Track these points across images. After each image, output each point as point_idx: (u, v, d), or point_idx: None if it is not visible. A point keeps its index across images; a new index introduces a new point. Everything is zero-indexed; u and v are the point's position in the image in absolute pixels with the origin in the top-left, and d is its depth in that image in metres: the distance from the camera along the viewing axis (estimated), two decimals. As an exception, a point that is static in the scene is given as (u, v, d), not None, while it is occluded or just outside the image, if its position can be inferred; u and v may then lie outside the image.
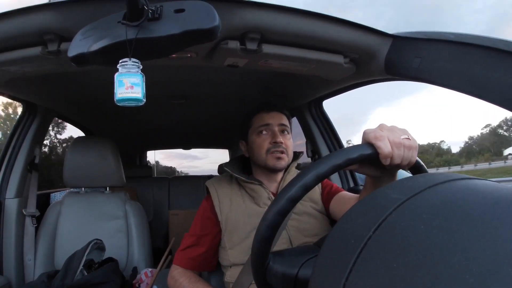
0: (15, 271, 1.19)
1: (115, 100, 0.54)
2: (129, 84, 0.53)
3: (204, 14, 0.53)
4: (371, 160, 0.48)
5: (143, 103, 0.55)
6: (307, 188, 0.41)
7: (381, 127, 0.49)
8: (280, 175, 0.97)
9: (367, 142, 0.47)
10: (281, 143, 0.91)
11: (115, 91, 0.54)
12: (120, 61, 0.54)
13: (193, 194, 2.62)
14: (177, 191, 2.72)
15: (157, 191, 2.68)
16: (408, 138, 0.49)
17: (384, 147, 0.46)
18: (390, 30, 0.79)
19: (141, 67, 0.55)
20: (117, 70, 0.55)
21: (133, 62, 0.54)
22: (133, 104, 0.55)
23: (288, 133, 0.96)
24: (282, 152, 0.90)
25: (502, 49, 0.56)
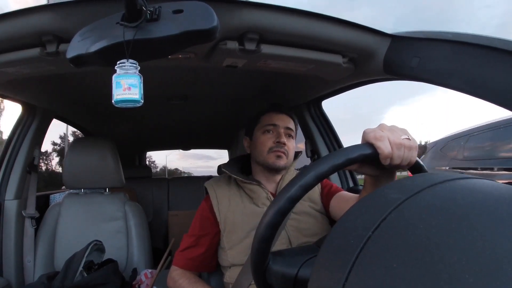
0: (14, 272, 1.19)
1: (113, 101, 0.55)
2: (127, 86, 0.53)
3: (202, 15, 0.53)
4: (371, 160, 0.48)
5: (140, 104, 0.55)
6: (307, 188, 0.41)
7: (381, 127, 0.49)
8: (279, 175, 0.97)
9: (367, 142, 0.47)
10: (284, 144, 0.92)
11: (113, 93, 0.54)
12: (118, 62, 0.54)
13: (192, 195, 2.62)
14: (177, 192, 2.72)
15: (157, 192, 2.67)
16: (408, 139, 0.49)
17: (384, 147, 0.46)
18: (399, 27, 0.80)
19: (138, 68, 0.55)
20: (115, 71, 0.55)
21: (130, 63, 0.54)
22: (130, 105, 0.55)
23: (292, 137, 0.97)
24: (283, 153, 0.91)
25: (500, 48, 0.56)
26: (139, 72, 0.55)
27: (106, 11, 0.60)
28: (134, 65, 0.54)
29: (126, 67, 0.54)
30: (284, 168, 0.94)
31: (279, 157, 0.91)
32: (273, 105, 1.01)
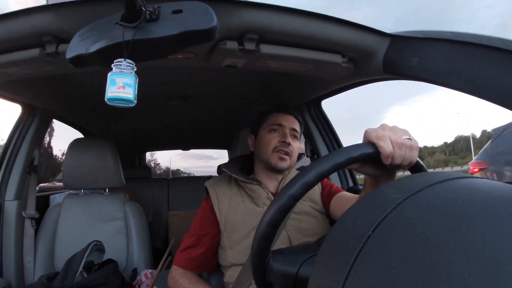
0: (14, 273, 1.19)
1: (105, 98, 0.53)
2: (121, 84, 0.52)
3: (202, 15, 0.53)
4: (372, 160, 0.48)
5: (133, 104, 0.55)
6: (309, 186, 0.41)
7: (383, 127, 0.49)
8: (281, 175, 0.98)
9: (369, 142, 0.47)
10: (289, 144, 0.93)
11: (106, 90, 0.53)
12: (114, 61, 0.53)
13: (192, 195, 2.62)
14: (177, 192, 2.72)
15: (156, 192, 2.67)
16: (410, 139, 0.49)
17: (386, 147, 0.46)
18: (399, 27, 0.80)
19: (135, 69, 0.54)
20: (111, 70, 0.54)
21: (127, 63, 0.53)
22: (123, 104, 0.54)
23: (297, 138, 0.98)
24: (286, 154, 0.92)
25: (499, 47, 0.57)
26: (136, 73, 0.55)
27: (106, 11, 0.60)
28: (131, 65, 0.54)
29: (122, 67, 0.53)
30: (287, 168, 0.95)
31: (282, 159, 0.92)
32: (280, 105, 1.02)
